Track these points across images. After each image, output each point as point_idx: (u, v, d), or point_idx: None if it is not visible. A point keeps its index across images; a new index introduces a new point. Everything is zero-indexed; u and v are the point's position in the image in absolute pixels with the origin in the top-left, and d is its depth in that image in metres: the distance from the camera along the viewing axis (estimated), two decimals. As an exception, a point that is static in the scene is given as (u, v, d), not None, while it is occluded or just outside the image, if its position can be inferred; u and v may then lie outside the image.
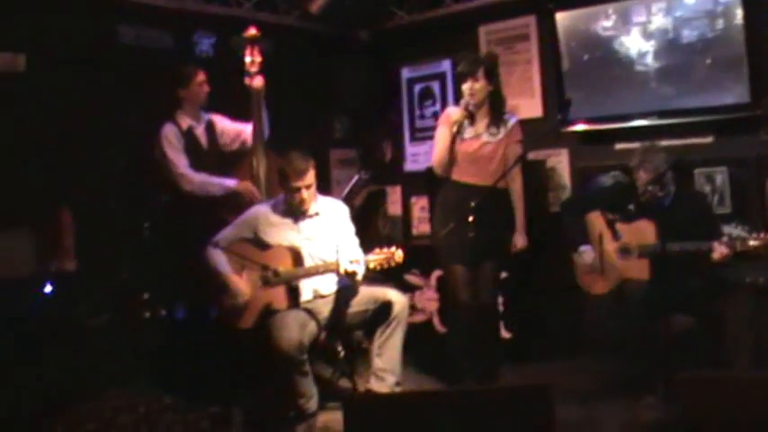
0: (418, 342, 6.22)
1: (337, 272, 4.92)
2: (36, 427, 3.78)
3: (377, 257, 4.85)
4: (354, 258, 4.84)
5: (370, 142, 7.90)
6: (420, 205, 7.51)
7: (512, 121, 5.38)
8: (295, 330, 4.78)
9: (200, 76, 5.72)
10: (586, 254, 5.30)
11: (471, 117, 5.31)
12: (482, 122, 5.34)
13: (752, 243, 4.74)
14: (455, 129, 5.24)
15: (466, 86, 5.27)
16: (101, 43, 5.99)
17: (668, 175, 5.02)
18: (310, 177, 5.04)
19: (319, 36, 7.32)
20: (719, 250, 4.81)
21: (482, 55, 5.55)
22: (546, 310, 6.43)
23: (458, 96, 5.45)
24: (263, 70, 5.77)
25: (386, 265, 4.84)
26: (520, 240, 5.38)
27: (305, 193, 5.04)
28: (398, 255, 4.84)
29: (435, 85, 7.42)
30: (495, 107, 5.35)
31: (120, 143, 5.93)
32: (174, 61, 6.09)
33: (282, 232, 5.11)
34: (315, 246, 5.12)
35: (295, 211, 5.12)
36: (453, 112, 5.33)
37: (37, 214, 5.55)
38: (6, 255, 5.29)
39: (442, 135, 5.38)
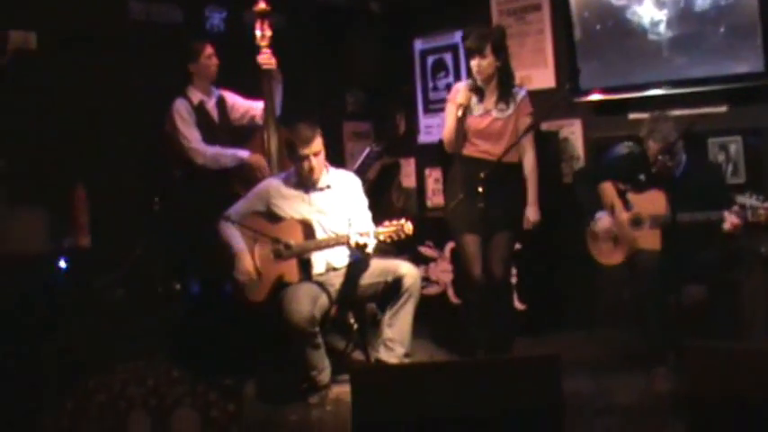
0: (433, 314, 6.27)
1: (348, 245, 4.92)
2: (49, 399, 3.82)
3: (386, 230, 4.85)
4: (364, 231, 4.85)
5: (383, 115, 7.89)
6: (434, 177, 7.51)
7: (521, 94, 5.34)
8: (306, 303, 4.81)
9: (209, 50, 5.72)
10: (602, 220, 5.27)
11: (480, 93, 5.29)
12: (491, 98, 5.30)
13: (764, 213, 4.71)
14: (460, 113, 5.20)
15: (473, 63, 5.24)
16: (111, 19, 6.00)
17: (678, 145, 4.98)
18: (317, 145, 5.05)
19: (331, 8, 7.30)
20: (730, 220, 4.78)
21: (489, 29, 5.45)
22: (559, 282, 6.43)
23: (470, 69, 5.41)
24: (274, 44, 5.76)
25: (395, 238, 4.84)
26: (532, 214, 5.32)
27: (313, 161, 5.04)
28: (408, 227, 4.83)
29: (448, 57, 7.37)
30: (504, 82, 5.31)
31: (133, 119, 5.95)
32: (185, 36, 6.10)
33: (294, 205, 5.13)
34: (326, 218, 5.13)
35: (305, 183, 5.13)
36: (460, 93, 5.28)
37: (52, 191, 5.59)
38: (22, 231, 5.33)
39: (450, 114, 5.36)
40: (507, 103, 5.29)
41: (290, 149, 5.10)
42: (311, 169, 5.06)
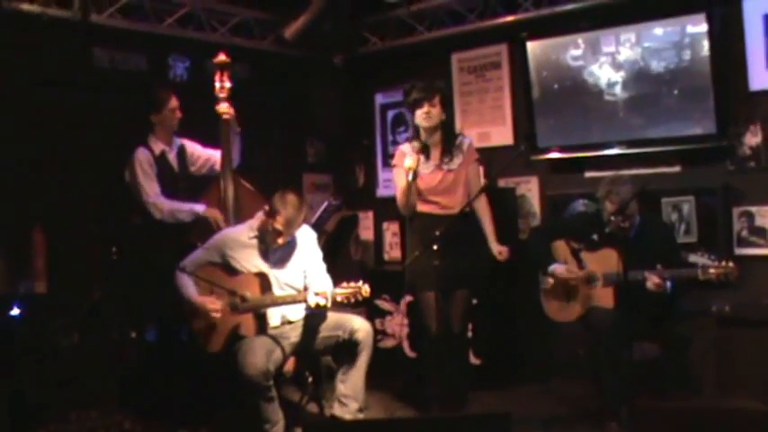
0: (388, 367, 6.26)
1: (306, 303, 4.94)
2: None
3: (344, 291, 4.88)
4: (321, 291, 4.88)
5: (343, 167, 7.93)
6: (392, 230, 7.55)
7: (466, 142, 5.40)
8: (261, 356, 4.79)
9: (173, 102, 5.69)
10: (556, 271, 5.31)
11: (425, 150, 5.30)
12: (436, 153, 5.34)
13: (713, 272, 4.79)
14: (411, 176, 5.13)
15: (422, 111, 5.25)
16: (75, 65, 6.02)
17: (632, 207, 5.02)
18: (297, 228, 5.09)
19: (294, 61, 7.36)
20: (652, 280, 4.88)
21: (433, 83, 5.40)
22: (514, 336, 6.46)
23: (415, 126, 5.40)
24: (234, 96, 5.77)
25: (352, 300, 4.87)
26: (498, 249, 5.29)
27: (286, 237, 5.07)
28: (365, 289, 4.87)
29: (408, 112, 7.42)
30: (448, 137, 5.37)
31: (94, 164, 5.95)
32: (149, 84, 6.11)
33: (251, 258, 5.11)
34: (282, 272, 5.13)
35: (265, 239, 5.12)
36: (408, 158, 5.21)
37: (9, 235, 5.55)
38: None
39: (400, 179, 5.32)
40: (453, 154, 5.33)
41: (270, 213, 5.01)
42: (278, 240, 5.07)
